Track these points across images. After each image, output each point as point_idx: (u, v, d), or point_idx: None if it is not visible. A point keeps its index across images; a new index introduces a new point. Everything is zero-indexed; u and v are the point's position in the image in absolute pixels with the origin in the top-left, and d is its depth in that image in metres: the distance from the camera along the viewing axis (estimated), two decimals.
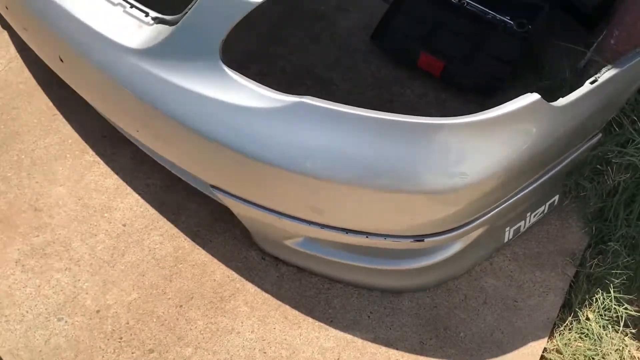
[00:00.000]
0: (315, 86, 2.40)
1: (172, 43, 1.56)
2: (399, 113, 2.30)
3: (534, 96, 1.41)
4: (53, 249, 1.97)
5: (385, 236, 1.64)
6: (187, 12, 1.53)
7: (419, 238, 1.64)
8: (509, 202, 1.71)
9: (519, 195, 1.72)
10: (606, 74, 1.53)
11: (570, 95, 1.49)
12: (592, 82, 1.52)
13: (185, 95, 1.56)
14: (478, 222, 1.68)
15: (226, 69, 1.53)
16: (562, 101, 1.49)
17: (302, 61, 2.46)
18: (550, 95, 2.32)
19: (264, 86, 1.52)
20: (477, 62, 2.36)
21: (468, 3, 2.55)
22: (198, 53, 1.54)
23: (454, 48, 2.38)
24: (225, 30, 1.50)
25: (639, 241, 2.01)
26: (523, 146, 1.48)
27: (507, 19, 2.51)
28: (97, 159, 2.15)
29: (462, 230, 1.66)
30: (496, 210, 1.69)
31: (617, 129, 2.04)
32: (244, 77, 1.53)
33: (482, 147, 1.45)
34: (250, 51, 2.46)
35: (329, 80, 2.42)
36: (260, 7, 2.58)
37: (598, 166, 2.08)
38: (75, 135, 2.19)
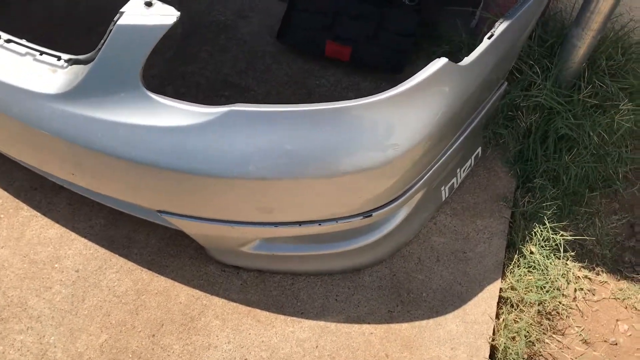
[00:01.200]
0: (234, 95, 2.44)
1: (92, 81, 1.57)
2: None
3: (443, 60, 1.53)
4: (10, 312, 1.92)
5: (337, 220, 1.72)
6: (100, 48, 1.55)
7: (367, 214, 1.73)
8: (440, 162, 1.83)
9: (447, 154, 1.85)
10: (500, 27, 1.67)
11: (473, 53, 1.62)
12: (489, 37, 1.65)
13: (116, 129, 1.57)
14: (416, 187, 1.79)
15: (151, 95, 1.56)
16: (467, 59, 1.61)
17: (215, 73, 2.50)
18: (451, 58, 2.49)
19: (191, 103, 1.56)
20: (381, 40, 2.48)
21: None
22: (120, 85, 1.56)
23: (357, 31, 2.50)
24: (142, 58, 1.52)
25: (560, 172, 2.19)
26: (442, 108, 1.60)
27: None
28: (34, 212, 2.11)
29: (403, 197, 1.77)
30: (430, 172, 1.81)
31: (519, 75, 2.22)
32: (170, 98, 1.56)
33: (407, 117, 1.55)
34: (163, 74, 2.47)
35: (245, 87, 2.47)
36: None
37: (509, 112, 2.26)
38: (5, 195, 2.13)
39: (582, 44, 2.06)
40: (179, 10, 1.48)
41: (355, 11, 2.50)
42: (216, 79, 2.49)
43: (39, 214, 2.11)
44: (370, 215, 1.74)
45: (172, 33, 2.60)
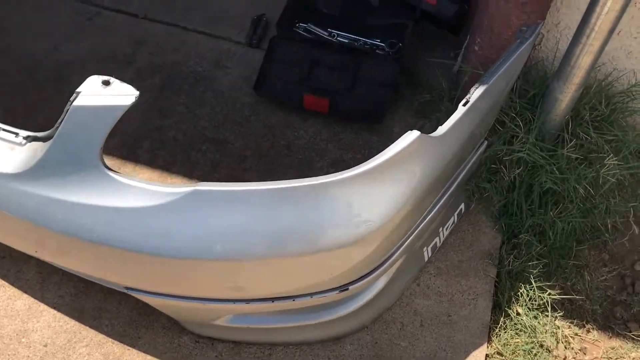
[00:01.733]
0: (211, 149, 2.38)
1: (51, 160, 1.51)
2: (297, 156, 2.34)
3: (414, 134, 1.47)
4: None
5: (311, 294, 1.65)
6: (58, 127, 1.48)
7: (344, 288, 1.67)
8: (419, 228, 1.76)
9: (426, 219, 1.78)
10: (476, 93, 1.61)
11: (448, 121, 1.56)
12: (464, 104, 1.59)
13: (77, 210, 1.50)
14: (394, 256, 1.72)
15: (112, 174, 1.49)
16: (441, 129, 1.55)
17: (191, 127, 2.44)
18: (433, 107, 2.43)
19: (154, 183, 1.49)
20: (359, 91, 2.43)
21: (338, 35, 2.62)
22: (79, 165, 1.49)
23: (334, 83, 2.44)
24: (101, 138, 1.46)
25: (546, 227, 2.13)
26: (416, 181, 1.54)
27: (378, 42, 2.60)
28: (1, 282, 2.03)
29: (381, 268, 1.70)
30: (409, 239, 1.74)
31: (500, 128, 2.16)
32: (132, 177, 1.50)
33: (378, 193, 1.49)
34: (138, 130, 2.41)
35: (223, 140, 2.41)
36: (136, 81, 2.55)
37: (492, 165, 2.19)
38: None
39: (565, 97, 2.01)
40: (136, 90, 1.42)
41: (332, 62, 2.45)
42: (193, 132, 2.43)
43: (7, 283, 2.03)
44: (347, 289, 1.67)
45: (148, 85, 2.55)
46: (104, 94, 1.43)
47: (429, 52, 2.68)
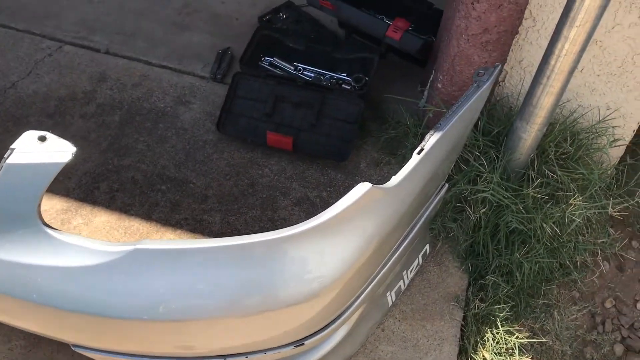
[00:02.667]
0: (171, 189, 2.32)
1: None
2: (261, 195, 2.28)
3: (365, 186, 1.41)
4: None
5: (265, 351, 1.59)
6: None
7: (299, 343, 1.60)
8: (378, 277, 1.71)
9: (386, 267, 1.73)
10: (431, 140, 1.57)
11: (401, 171, 1.52)
12: (419, 152, 1.55)
13: (15, 269, 1.43)
14: (353, 306, 1.66)
15: (51, 232, 1.43)
16: (394, 179, 1.51)
17: (151, 166, 2.37)
18: (399, 143, 2.39)
19: (95, 240, 1.43)
20: (323, 128, 2.38)
21: (304, 69, 2.58)
22: (16, 222, 1.42)
23: (298, 120, 2.39)
24: (38, 195, 1.40)
25: (513, 268, 2.08)
26: (369, 233, 1.48)
27: (344, 76, 2.56)
28: None
29: (339, 320, 1.64)
30: (367, 289, 1.68)
31: (464, 167, 2.11)
32: (71, 235, 1.43)
33: (331, 247, 1.43)
34: (96, 170, 2.34)
35: (183, 180, 2.35)
36: (96, 118, 2.49)
37: (458, 204, 2.15)
38: None
39: (528, 137, 1.97)
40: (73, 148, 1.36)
41: (297, 98, 2.40)
42: (153, 172, 2.36)
43: None
44: (303, 344, 1.61)
45: (109, 122, 2.49)
46: (40, 151, 1.37)
47: (396, 85, 2.65)
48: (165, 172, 2.36)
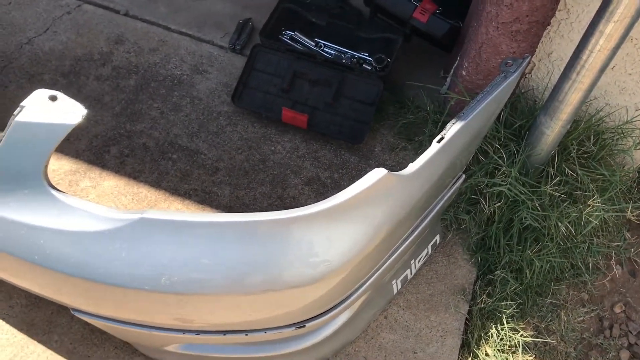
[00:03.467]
0: (182, 159, 2.28)
1: None
2: (272, 172, 2.24)
3: (380, 172, 1.37)
4: None
5: (265, 330, 1.56)
6: (1, 140, 1.38)
7: (300, 324, 1.57)
8: (385, 265, 1.67)
9: (394, 255, 1.69)
10: (452, 129, 1.51)
11: (419, 159, 1.46)
12: (439, 141, 1.49)
13: (18, 229, 1.41)
14: (358, 292, 1.63)
15: (56, 194, 1.39)
16: (411, 167, 1.45)
17: (164, 134, 2.34)
18: (417, 129, 2.33)
19: (101, 206, 1.40)
20: (340, 108, 2.33)
21: (325, 45, 2.52)
22: (22, 182, 1.39)
23: (315, 98, 2.34)
24: (45, 155, 1.36)
25: (523, 265, 2.04)
26: (381, 221, 1.44)
27: (365, 56, 2.50)
28: None
29: (342, 306, 1.61)
30: (373, 277, 1.64)
31: (483, 158, 2.06)
32: (77, 198, 1.40)
33: (340, 232, 1.39)
34: (108, 133, 2.31)
35: (195, 150, 2.31)
36: (111, 81, 2.45)
37: (472, 196, 2.10)
38: None
39: (551, 133, 1.91)
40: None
41: (315, 75, 2.34)
42: (165, 140, 2.33)
43: None
44: (304, 326, 1.58)
45: (123, 86, 2.45)
46: (50, 110, 1.33)
47: (417, 69, 2.58)
48: (178, 140, 2.33)
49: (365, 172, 2.26)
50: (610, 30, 1.59)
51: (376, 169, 1.38)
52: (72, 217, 1.39)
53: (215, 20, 2.74)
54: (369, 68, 2.47)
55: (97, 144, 2.29)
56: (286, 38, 2.56)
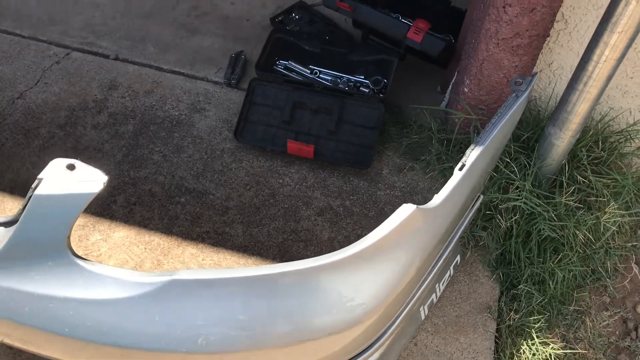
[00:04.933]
0: (190, 201, 2.25)
1: (15, 248, 1.36)
2: (283, 206, 2.22)
3: (409, 208, 1.35)
4: None
5: None
6: (21, 213, 1.35)
7: None
8: (415, 296, 1.65)
9: (423, 285, 1.68)
10: (472, 155, 1.51)
11: (444, 189, 1.46)
12: (460, 169, 1.49)
13: (45, 303, 1.37)
14: (391, 329, 1.61)
15: (82, 263, 1.36)
16: (437, 199, 1.45)
17: (169, 178, 2.31)
18: (422, 148, 2.33)
19: (129, 270, 1.36)
20: (344, 135, 2.32)
21: (320, 72, 2.51)
22: (45, 254, 1.36)
23: (318, 127, 2.33)
24: (68, 226, 1.33)
25: (545, 277, 2.03)
26: (412, 257, 1.43)
27: (362, 79, 2.50)
28: None
29: (377, 344, 1.59)
30: (405, 310, 1.63)
31: (495, 174, 2.06)
32: (103, 265, 1.37)
33: (373, 272, 1.38)
34: (112, 182, 2.27)
35: (203, 191, 2.28)
36: (109, 128, 2.42)
37: (487, 212, 2.09)
38: None
39: (561, 143, 1.92)
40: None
41: (315, 104, 2.33)
42: (171, 184, 2.29)
43: None
44: None
45: (122, 132, 2.42)
46: (69, 180, 1.30)
47: (414, 86, 2.58)
48: (184, 183, 2.30)
49: (376, 196, 2.26)
50: (615, 41, 1.59)
51: (404, 206, 1.37)
52: (101, 285, 1.36)
53: (206, 56, 2.72)
54: (367, 91, 2.46)
55: (102, 194, 2.24)
56: (281, 68, 2.55)
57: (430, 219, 1.43)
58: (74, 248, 2.08)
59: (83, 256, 2.04)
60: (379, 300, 1.40)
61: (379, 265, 1.38)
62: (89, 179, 1.30)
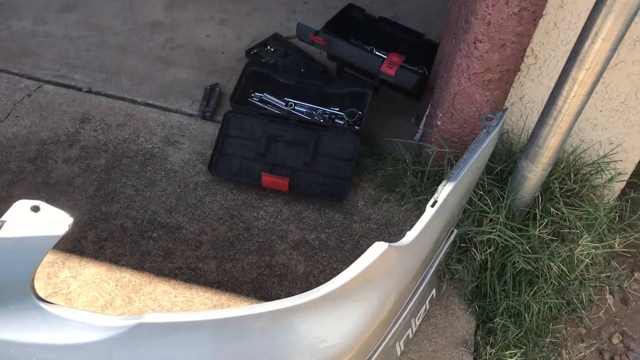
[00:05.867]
0: (163, 236, 2.21)
1: None
2: (257, 240, 2.19)
3: (381, 247, 1.34)
4: None
5: None
6: None
7: None
8: (390, 333, 1.63)
9: (399, 321, 1.66)
10: (444, 192, 1.51)
11: (416, 226, 1.45)
12: (432, 205, 1.48)
13: (8, 348, 1.32)
14: None
15: (46, 307, 1.32)
16: (409, 236, 1.44)
17: (141, 212, 2.27)
18: (397, 180, 2.33)
19: (96, 314, 1.33)
20: (319, 167, 2.31)
21: (295, 104, 2.51)
22: (9, 298, 1.32)
23: (293, 159, 2.32)
24: (31, 269, 1.29)
25: (521, 310, 2.03)
26: (386, 293, 1.41)
27: (336, 111, 2.50)
28: None
29: None
30: (380, 347, 1.61)
31: (469, 207, 2.06)
32: (67, 308, 1.33)
33: (346, 312, 1.36)
34: (82, 218, 2.23)
35: (175, 226, 2.25)
36: (80, 162, 2.38)
37: (462, 245, 2.09)
38: None
39: (534, 176, 1.93)
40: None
41: (290, 136, 2.33)
42: (143, 218, 2.26)
43: None
44: None
45: (94, 166, 2.38)
46: (33, 222, 1.26)
47: (388, 117, 2.60)
48: (156, 217, 2.26)
49: (352, 229, 2.25)
50: (582, 77, 1.61)
51: (376, 244, 1.36)
52: (66, 329, 1.31)
53: (181, 88, 2.71)
54: (342, 122, 2.47)
55: (72, 230, 2.19)
56: (256, 100, 2.55)
57: (403, 256, 1.42)
58: (43, 286, 2.04)
59: (52, 294, 2.00)
60: (352, 340, 1.37)
61: (352, 305, 1.36)
62: (54, 221, 1.27)
